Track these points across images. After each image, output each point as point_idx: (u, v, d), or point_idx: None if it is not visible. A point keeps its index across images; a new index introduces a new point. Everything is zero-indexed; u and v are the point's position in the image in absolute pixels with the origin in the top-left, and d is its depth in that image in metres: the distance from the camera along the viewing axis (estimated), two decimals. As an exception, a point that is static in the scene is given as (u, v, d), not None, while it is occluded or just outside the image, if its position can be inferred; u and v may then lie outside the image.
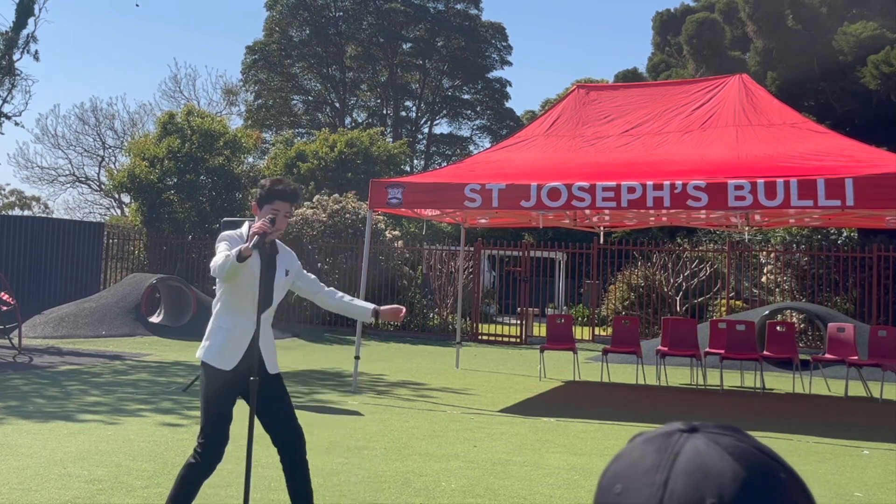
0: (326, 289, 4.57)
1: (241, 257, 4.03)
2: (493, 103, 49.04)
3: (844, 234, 19.23)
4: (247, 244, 4.06)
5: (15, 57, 20.74)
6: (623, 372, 13.41)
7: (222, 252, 4.16)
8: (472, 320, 19.44)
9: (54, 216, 34.23)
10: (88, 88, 72.58)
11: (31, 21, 20.64)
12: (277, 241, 4.44)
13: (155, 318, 17.44)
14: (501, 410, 9.38)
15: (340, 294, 4.58)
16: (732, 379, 12.94)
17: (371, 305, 4.49)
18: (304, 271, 4.57)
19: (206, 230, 22.20)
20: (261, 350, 4.23)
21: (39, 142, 53.88)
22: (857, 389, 12.00)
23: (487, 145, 46.91)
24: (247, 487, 4.01)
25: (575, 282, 26.79)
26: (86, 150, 40.30)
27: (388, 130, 43.84)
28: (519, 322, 19.69)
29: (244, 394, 4.29)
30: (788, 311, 16.61)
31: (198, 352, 4.34)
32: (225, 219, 10.89)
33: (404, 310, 4.47)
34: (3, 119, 20.83)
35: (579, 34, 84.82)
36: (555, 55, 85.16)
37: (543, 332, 17.20)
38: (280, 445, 4.29)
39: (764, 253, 19.27)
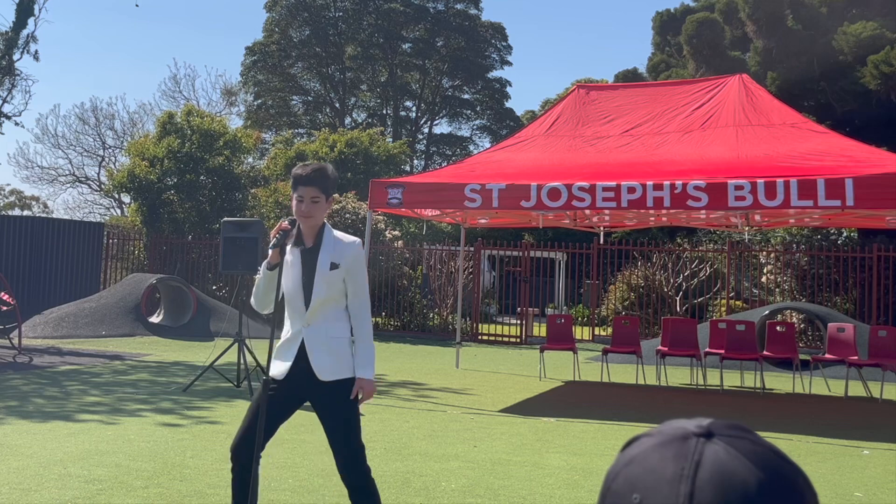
0: (357, 314, 4.02)
1: (271, 265, 3.88)
2: (493, 103, 49.04)
3: (844, 234, 19.22)
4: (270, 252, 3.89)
5: (15, 57, 20.74)
6: (623, 372, 13.41)
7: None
8: (472, 320, 19.44)
9: (54, 216, 34.23)
10: (88, 88, 72.62)
11: (31, 21, 20.64)
12: (333, 231, 4.06)
13: (155, 318, 17.44)
14: (501, 410, 9.38)
15: (358, 333, 4.01)
16: (732, 379, 12.94)
17: (359, 373, 3.93)
18: (359, 276, 4.01)
19: (206, 230, 22.20)
20: (307, 351, 3.91)
21: (39, 142, 53.92)
22: (857, 389, 11.99)
23: (487, 145, 46.91)
24: (253, 489, 4.01)
25: (575, 282, 26.79)
26: (86, 150, 40.34)
27: (388, 130, 43.83)
28: (519, 322, 19.69)
29: (307, 400, 4.00)
30: (788, 311, 16.61)
31: None
32: (225, 219, 10.89)
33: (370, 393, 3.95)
34: (3, 119, 20.83)
35: (579, 34, 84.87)
36: (555, 55, 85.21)
37: (543, 332, 17.20)
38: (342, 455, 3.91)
39: (764, 253, 19.26)
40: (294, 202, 3.99)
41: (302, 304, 3.94)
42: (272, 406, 3.94)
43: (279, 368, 3.97)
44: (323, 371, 3.89)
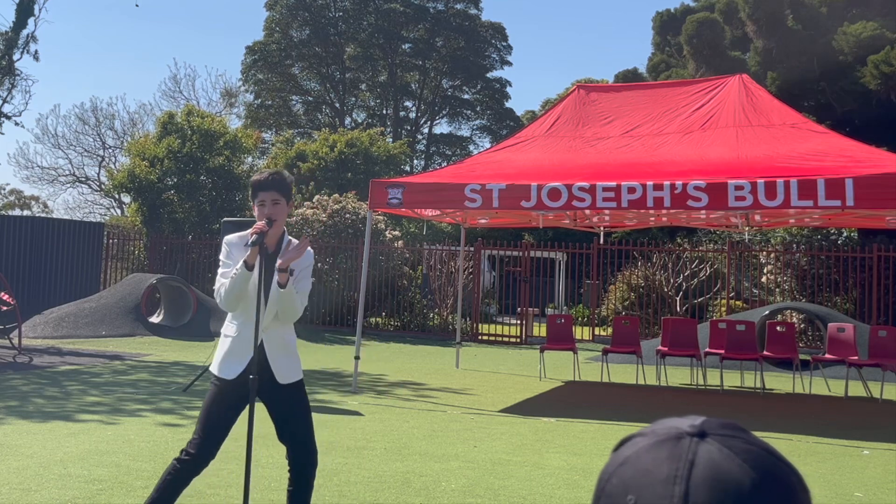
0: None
1: (249, 265, 3.91)
2: (493, 103, 49.03)
3: (844, 234, 19.22)
4: (247, 252, 3.93)
5: (15, 57, 20.75)
6: (623, 372, 13.41)
7: (224, 276, 4.01)
8: (472, 320, 19.44)
9: (54, 216, 34.24)
10: (88, 88, 72.61)
11: (31, 21, 20.65)
12: (291, 239, 4.22)
13: (155, 318, 17.44)
14: (501, 410, 9.38)
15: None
16: (732, 379, 12.94)
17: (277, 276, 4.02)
18: (307, 280, 4.20)
19: (206, 230, 22.21)
20: (267, 357, 4.03)
21: (39, 142, 53.95)
22: (857, 389, 12.00)
23: (487, 145, 46.93)
24: (246, 488, 4.01)
25: (575, 282, 26.79)
26: (86, 150, 40.36)
27: (388, 130, 43.83)
28: (519, 322, 19.69)
29: (262, 400, 4.11)
30: (788, 311, 16.61)
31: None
32: (225, 219, 10.88)
33: (305, 240, 3.98)
34: (3, 119, 20.84)
35: (579, 34, 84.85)
36: (555, 55, 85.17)
37: (543, 332, 17.20)
38: (289, 462, 4.10)
39: (764, 253, 19.27)
40: (256, 209, 4.07)
41: (262, 307, 3.99)
42: (229, 407, 4.03)
43: (232, 369, 4.02)
44: (282, 375, 4.05)
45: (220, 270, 4.08)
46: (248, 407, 4.06)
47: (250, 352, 4.00)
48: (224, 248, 4.14)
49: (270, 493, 5.56)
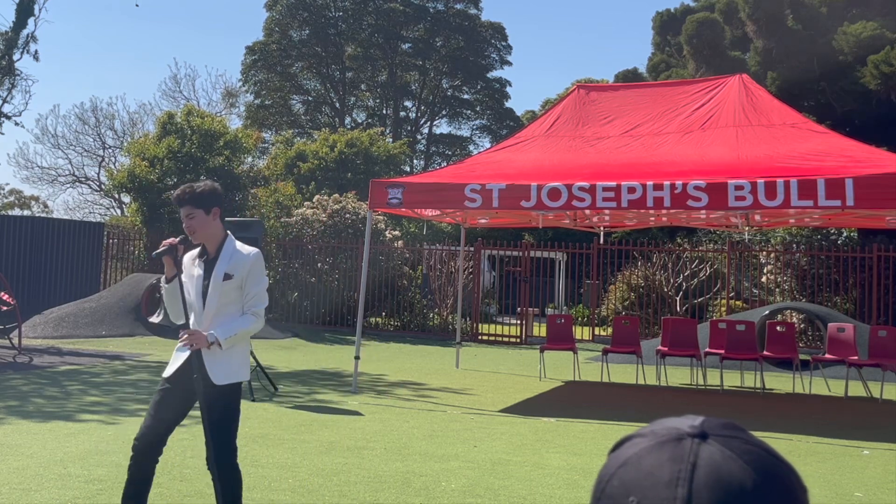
0: (247, 310, 4.27)
1: (167, 279, 4.19)
2: (493, 103, 49.02)
3: (844, 234, 19.22)
4: (167, 270, 4.21)
5: (15, 57, 20.75)
6: (623, 372, 13.41)
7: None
8: (472, 320, 19.44)
9: (54, 216, 34.24)
10: (88, 88, 72.57)
11: (31, 21, 20.64)
12: (235, 243, 4.29)
13: (155, 318, 17.43)
14: (501, 410, 9.38)
15: (241, 316, 4.27)
16: (732, 379, 12.94)
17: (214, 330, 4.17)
18: (256, 284, 4.26)
19: (206, 230, 22.17)
20: (203, 358, 4.14)
21: (39, 142, 53.95)
22: (857, 389, 11.99)
23: (487, 145, 46.93)
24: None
25: (575, 282, 26.78)
26: (86, 150, 40.37)
27: (388, 130, 43.82)
28: (519, 322, 19.69)
29: (199, 400, 4.22)
30: (788, 311, 16.61)
31: None
32: (225, 219, 10.88)
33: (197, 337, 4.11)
34: (3, 119, 20.84)
35: (579, 34, 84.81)
36: (555, 55, 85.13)
37: (543, 332, 17.20)
38: (209, 462, 4.19)
39: (764, 253, 19.27)
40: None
41: (200, 310, 4.21)
42: (167, 404, 4.27)
43: (170, 368, 4.31)
44: (216, 376, 4.16)
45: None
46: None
47: (186, 352, 4.21)
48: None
49: (270, 493, 5.56)
